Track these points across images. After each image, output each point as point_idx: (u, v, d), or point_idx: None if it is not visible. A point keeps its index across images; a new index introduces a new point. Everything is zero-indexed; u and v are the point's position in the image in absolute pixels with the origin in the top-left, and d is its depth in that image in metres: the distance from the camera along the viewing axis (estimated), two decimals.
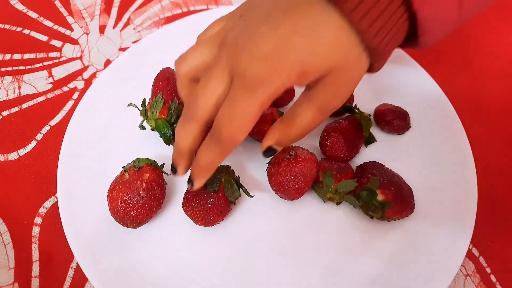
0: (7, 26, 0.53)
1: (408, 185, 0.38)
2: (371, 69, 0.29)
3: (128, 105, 0.40)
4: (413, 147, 0.43)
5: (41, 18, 0.54)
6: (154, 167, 0.36)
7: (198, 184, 0.31)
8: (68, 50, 0.52)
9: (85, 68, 0.50)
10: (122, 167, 0.37)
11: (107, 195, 0.36)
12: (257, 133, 0.41)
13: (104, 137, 0.43)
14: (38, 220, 0.40)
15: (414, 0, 0.25)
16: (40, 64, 0.50)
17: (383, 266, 0.37)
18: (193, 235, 0.38)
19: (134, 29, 0.54)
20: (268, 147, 0.32)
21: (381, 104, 0.45)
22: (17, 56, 0.51)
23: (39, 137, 0.45)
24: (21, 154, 0.44)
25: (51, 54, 0.51)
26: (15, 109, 0.47)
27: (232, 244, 0.38)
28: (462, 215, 0.38)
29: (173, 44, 0.48)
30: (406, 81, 0.47)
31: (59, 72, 0.50)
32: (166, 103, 0.39)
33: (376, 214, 0.36)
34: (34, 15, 0.55)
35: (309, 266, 0.37)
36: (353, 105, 0.42)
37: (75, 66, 0.50)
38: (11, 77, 0.49)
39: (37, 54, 0.51)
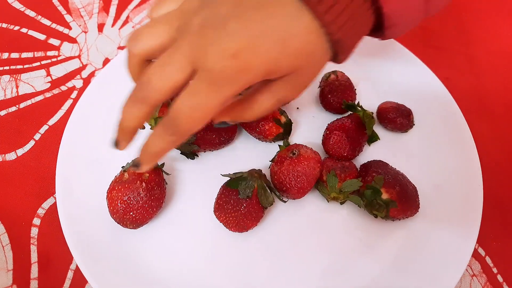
0: (4, 25, 0.53)
1: (413, 184, 0.37)
2: (336, 60, 0.29)
3: None
4: (417, 146, 0.43)
5: (39, 16, 0.54)
6: (153, 167, 0.36)
7: (145, 169, 0.31)
8: (67, 49, 0.51)
9: (83, 67, 0.50)
10: (122, 167, 0.36)
11: (106, 196, 0.35)
12: (259, 132, 0.40)
13: (103, 137, 0.42)
14: (36, 221, 0.39)
15: None
16: (38, 63, 0.50)
17: (388, 266, 0.36)
18: (194, 235, 0.38)
19: (133, 27, 0.54)
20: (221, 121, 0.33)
21: (384, 101, 0.44)
22: (14, 55, 0.50)
23: (37, 137, 0.44)
24: (19, 154, 0.43)
25: (49, 53, 0.51)
26: (13, 108, 0.46)
27: (232, 244, 0.37)
28: (467, 214, 0.37)
29: None
30: (409, 79, 0.46)
31: (57, 71, 0.49)
32: (166, 102, 0.39)
33: (381, 213, 0.36)
34: (31, 13, 0.54)
35: (312, 266, 0.36)
36: (356, 102, 0.42)
37: (74, 65, 0.50)
38: (8, 76, 0.48)
39: (35, 53, 0.51)
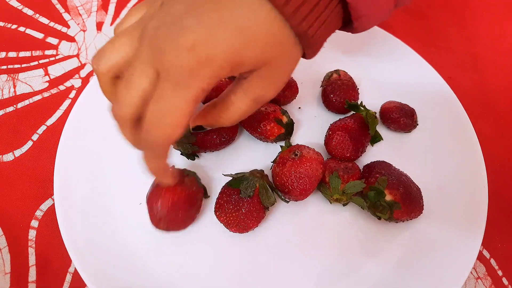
0: (2, 24, 0.52)
1: (417, 185, 0.37)
2: (304, 55, 0.28)
3: None
4: (421, 146, 0.42)
5: (37, 15, 0.53)
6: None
7: (167, 183, 0.31)
8: (65, 48, 0.50)
9: (82, 66, 0.49)
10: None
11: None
12: (260, 132, 0.40)
13: (102, 137, 0.41)
14: (34, 223, 0.38)
15: None
16: (36, 62, 0.49)
17: (391, 269, 0.36)
18: (194, 237, 0.37)
19: None
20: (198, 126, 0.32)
21: (387, 101, 0.44)
22: (12, 54, 0.50)
23: (35, 137, 0.44)
24: (16, 155, 0.42)
25: (47, 52, 0.50)
26: (11, 108, 0.45)
27: (233, 245, 0.37)
28: (472, 216, 0.37)
29: None
30: (412, 78, 0.45)
31: (56, 71, 0.48)
32: None
33: (384, 215, 0.35)
34: (29, 12, 0.53)
35: (314, 269, 0.36)
36: (359, 102, 0.41)
37: (72, 64, 0.49)
38: (6, 75, 0.48)
39: (33, 52, 0.50)
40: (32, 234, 0.38)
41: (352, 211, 0.38)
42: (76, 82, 0.48)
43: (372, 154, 0.41)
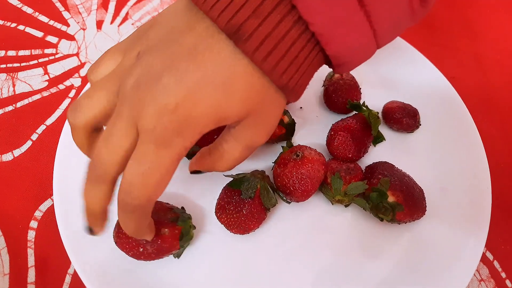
0: (1, 22, 0.51)
1: (420, 186, 0.36)
2: (288, 100, 0.27)
3: None
4: (423, 146, 0.42)
5: (36, 13, 0.53)
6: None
7: (149, 237, 0.31)
8: (64, 47, 0.50)
9: (82, 65, 0.49)
10: None
11: None
12: None
13: None
14: (33, 224, 0.38)
15: (320, 38, 0.23)
16: (35, 61, 0.49)
17: (393, 271, 0.35)
18: (194, 238, 0.36)
19: (132, 24, 0.52)
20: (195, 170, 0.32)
21: (390, 101, 0.43)
22: (11, 52, 0.49)
23: (34, 137, 0.43)
24: (16, 155, 0.42)
25: (47, 51, 0.49)
26: (10, 108, 0.45)
27: (234, 246, 0.36)
28: (476, 217, 0.36)
29: None
30: (415, 77, 0.45)
31: (55, 69, 0.48)
32: None
33: (386, 217, 0.35)
34: (29, 10, 0.53)
35: (315, 270, 0.35)
36: (361, 102, 0.41)
37: (72, 63, 0.49)
38: (5, 74, 0.47)
39: (32, 50, 0.49)
40: (31, 235, 0.38)
41: (354, 213, 0.38)
42: (76, 81, 0.47)
43: (374, 155, 0.41)
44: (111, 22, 0.53)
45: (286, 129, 0.40)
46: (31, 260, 0.36)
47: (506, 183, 0.41)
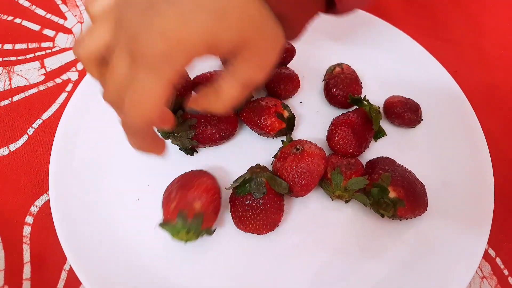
0: None
1: (421, 182, 0.36)
2: (287, 37, 0.28)
3: None
4: (425, 142, 0.41)
5: (33, 6, 0.52)
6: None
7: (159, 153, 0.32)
8: (61, 40, 0.49)
9: None
10: None
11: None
12: (261, 126, 0.39)
13: (98, 132, 0.41)
14: (29, 219, 0.38)
15: None
16: (32, 55, 0.48)
17: (395, 268, 0.35)
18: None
19: None
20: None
21: (391, 95, 0.42)
22: (8, 46, 0.49)
23: (30, 131, 0.43)
24: (11, 150, 0.41)
25: (44, 44, 0.49)
26: (6, 102, 0.44)
27: (234, 243, 0.36)
28: (478, 214, 0.36)
29: None
30: (417, 72, 0.44)
31: (52, 63, 0.47)
32: None
33: (388, 213, 0.34)
34: (26, 3, 0.52)
35: (315, 266, 0.35)
36: (362, 96, 0.40)
37: (69, 56, 0.48)
38: (1, 68, 0.47)
39: (29, 44, 0.49)
40: (26, 230, 0.37)
41: (355, 208, 0.37)
42: (72, 75, 0.47)
43: (375, 150, 0.40)
44: None
45: (286, 123, 0.39)
46: (26, 256, 0.36)
47: (510, 178, 0.40)
